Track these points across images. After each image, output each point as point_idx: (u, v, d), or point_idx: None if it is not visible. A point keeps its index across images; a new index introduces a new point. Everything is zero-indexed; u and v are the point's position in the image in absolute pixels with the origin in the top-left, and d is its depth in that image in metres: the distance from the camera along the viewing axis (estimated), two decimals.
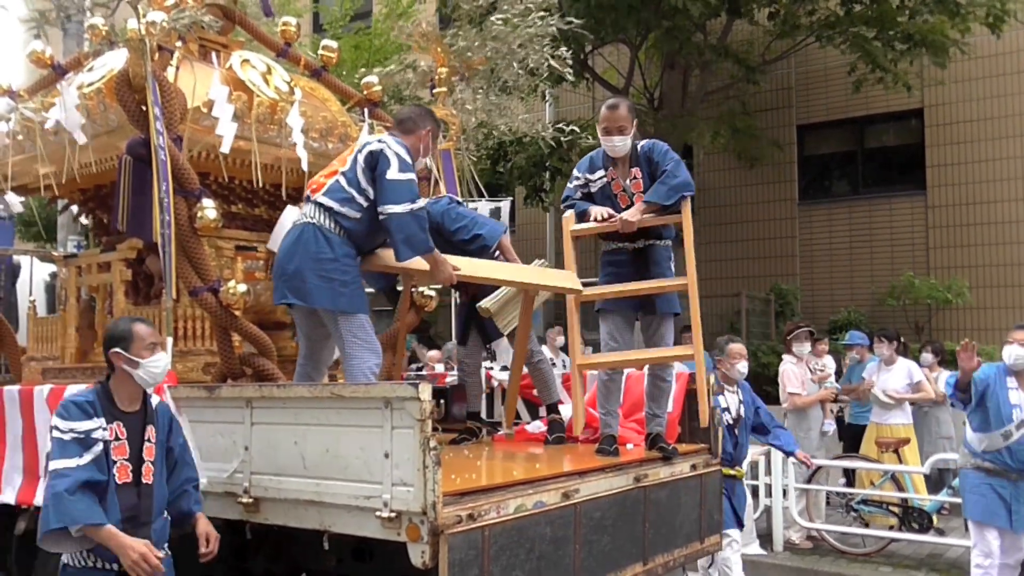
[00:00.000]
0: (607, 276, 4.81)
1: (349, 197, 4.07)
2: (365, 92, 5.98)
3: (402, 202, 3.95)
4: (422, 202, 4.05)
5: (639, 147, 4.70)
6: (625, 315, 4.76)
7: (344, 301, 4.05)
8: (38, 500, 4.39)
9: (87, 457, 3.05)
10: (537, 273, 4.92)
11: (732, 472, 5.54)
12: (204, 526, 3.38)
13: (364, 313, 4.12)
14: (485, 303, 4.92)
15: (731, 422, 5.57)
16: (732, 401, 5.66)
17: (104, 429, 3.14)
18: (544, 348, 8.04)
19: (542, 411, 5.46)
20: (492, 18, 6.10)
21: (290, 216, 4.77)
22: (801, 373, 7.97)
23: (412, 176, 4.04)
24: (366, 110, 5.92)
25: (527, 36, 6.16)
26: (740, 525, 5.70)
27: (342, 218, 4.07)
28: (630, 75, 12.68)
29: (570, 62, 6.56)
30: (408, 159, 4.06)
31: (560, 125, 7.13)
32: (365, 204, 4.07)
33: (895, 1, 11.16)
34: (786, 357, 8.13)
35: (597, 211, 4.67)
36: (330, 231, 4.06)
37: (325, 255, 4.02)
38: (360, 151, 4.15)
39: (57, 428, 3.08)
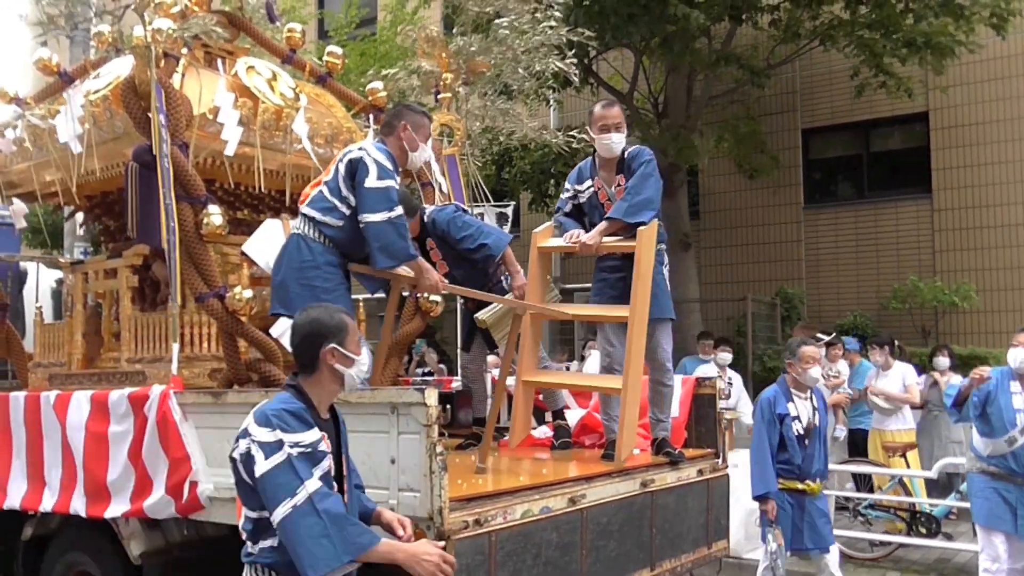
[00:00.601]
0: (598, 284, 4.80)
1: (331, 206, 4.09)
2: (370, 98, 5.99)
3: (380, 211, 3.95)
4: (400, 210, 4.02)
5: (626, 153, 4.66)
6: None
7: None
8: (44, 506, 4.41)
9: (316, 473, 2.50)
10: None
11: (801, 487, 5.16)
12: (390, 514, 2.88)
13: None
14: (481, 315, 4.92)
15: (801, 432, 5.15)
16: (803, 409, 5.22)
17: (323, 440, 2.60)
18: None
19: (548, 416, 5.45)
20: (497, 22, 6.10)
21: (269, 227, 4.83)
22: None
23: (391, 183, 4.01)
24: (371, 116, 5.93)
25: (535, 43, 6.17)
26: (814, 548, 5.24)
27: (325, 227, 4.09)
28: (634, 80, 12.69)
29: (576, 69, 6.56)
30: (389, 165, 4.04)
31: (572, 133, 7.11)
32: (347, 212, 4.08)
33: (899, 5, 11.15)
34: None
35: (571, 232, 4.65)
36: (313, 240, 4.09)
37: (307, 263, 4.05)
38: (341, 160, 4.15)
39: (281, 444, 2.48)
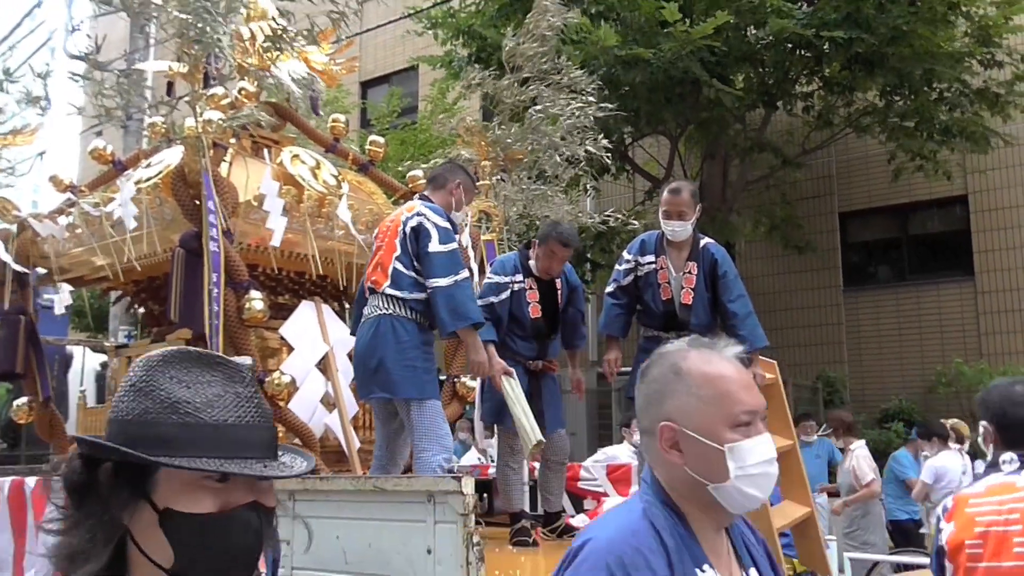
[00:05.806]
0: (641, 363, 4.66)
1: (413, 280, 4.05)
2: (410, 185, 6.11)
3: (447, 275, 3.94)
4: (466, 273, 4.03)
5: (704, 245, 4.60)
6: None
7: (430, 388, 4.06)
8: None
9: None
10: None
11: None
12: None
13: (437, 399, 4.11)
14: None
15: None
16: None
17: None
18: None
19: (587, 503, 5.32)
20: (531, 110, 6.23)
21: (304, 309, 4.86)
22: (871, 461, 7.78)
23: (454, 246, 4.02)
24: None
25: (567, 128, 6.27)
26: None
27: (415, 303, 4.05)
28: (669, 166, 12.81)
29: (609, 146, 6.63)
30: (449, 226, 4.06)
31: (608, 213, 7.16)
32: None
33: (933, 94, 11.21)
34: (858, 443, 7.91)
35: (608, 359, 4.69)
36: (408, 319, 4.04)
37: (406, 343, 4.01)
38: (404, 230, 4.10)
39: None
